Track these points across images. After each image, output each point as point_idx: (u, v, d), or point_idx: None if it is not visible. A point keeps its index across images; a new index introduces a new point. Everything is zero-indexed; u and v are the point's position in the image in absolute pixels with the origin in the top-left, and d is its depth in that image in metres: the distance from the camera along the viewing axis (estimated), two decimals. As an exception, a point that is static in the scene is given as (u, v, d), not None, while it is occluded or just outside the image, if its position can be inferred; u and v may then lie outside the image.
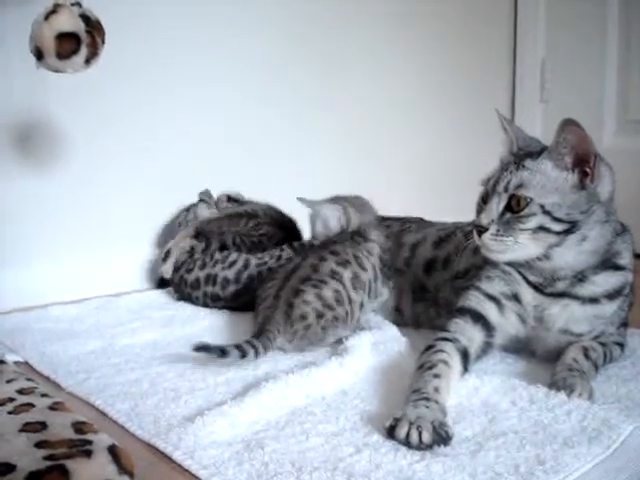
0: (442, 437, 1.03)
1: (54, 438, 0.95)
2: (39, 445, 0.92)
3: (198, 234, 2.03)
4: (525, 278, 1.37)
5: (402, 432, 1.04)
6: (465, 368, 1.30)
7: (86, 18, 1.43)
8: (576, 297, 1.34)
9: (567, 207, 1.27)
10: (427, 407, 1.09)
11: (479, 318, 1.37)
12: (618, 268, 1.36)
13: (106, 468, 0.89)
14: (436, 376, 1.20)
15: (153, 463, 1.03)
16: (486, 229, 1.31)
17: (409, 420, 1.05)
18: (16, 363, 1.44)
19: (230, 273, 1.88)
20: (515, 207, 1.29)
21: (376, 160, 2.72)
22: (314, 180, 2.52)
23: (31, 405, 1.08)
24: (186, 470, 0.99)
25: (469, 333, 1.35)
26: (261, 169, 2.40)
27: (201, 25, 2.24)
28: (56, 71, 1.46)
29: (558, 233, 1.28)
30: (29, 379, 1.25)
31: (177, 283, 1.98)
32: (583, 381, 1.23)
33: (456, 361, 1.28)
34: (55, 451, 0.90)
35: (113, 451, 0.92)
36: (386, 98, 2.76)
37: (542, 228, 1.28)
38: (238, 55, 2.33)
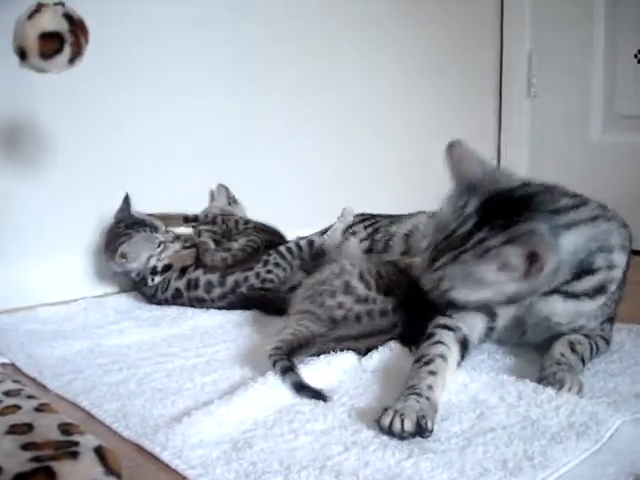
0: (422, 428, 1.05)
1: (40, 440, 0.94)
2: (25, 447, 0.91)
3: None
4: None
5: (386, 421, 1.06)
6: (463, 357, 1.31)
7: (69, 17, 1.42)
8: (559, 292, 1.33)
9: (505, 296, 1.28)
10: (417, 401, 1.10)
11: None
12: (593, 272, 1.33)
13: (93, 469, 0.88)
14: (431, 373, 1.20)
15: (140, 464, 1.02)
16: None
17: (394, 409, 1.07)
18: (2, 365, 1.44)
19: (214, 277, 1.86)
20: None
21: (366, 158, 2.71)
22: (302, 180, 2.53)
23: (17, 407, 1.07)
24: (174, 470, 0.99)
25: (471, 320, 1.35)
26: (252, 171, 2.39)
27: (192, 28, 2.23)
28: (40, 71, 1.45)
29: None
30: (15, 381, 1.24)
31: (161, 302, 1.93)
32: (572, 375, 1.23)
33: (454, 352, 1.29)
34: (41, 453, 0.89)
35: (100, 452, 0.91)
36: (373, 97, 2.75)
37: None
38: (222, 57, 2.32)
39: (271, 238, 2.04)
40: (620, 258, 1.35)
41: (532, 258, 1.18)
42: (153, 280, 1.92)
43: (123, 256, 1.85)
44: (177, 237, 2.01)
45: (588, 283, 1.32)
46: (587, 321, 1.38)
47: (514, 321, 1.40)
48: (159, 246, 1.92)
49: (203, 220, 2.12)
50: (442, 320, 1.34)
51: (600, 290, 1.34)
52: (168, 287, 1.91)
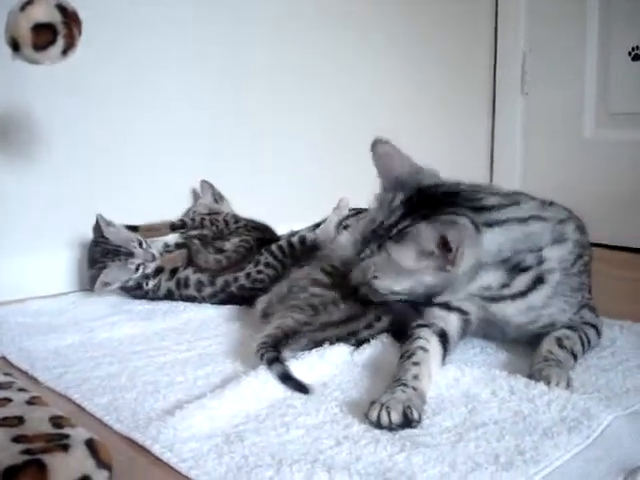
0: (408, 418, 1.06)
1: (31, 432, 0.94)
2: (16, 440, 0.91)
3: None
4: None
5: (374, 414, 1.07)
6: (445, 349, 1.32)
7: (62, 9, 1.41)
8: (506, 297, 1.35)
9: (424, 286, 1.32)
10: (403, 392, 1.12)
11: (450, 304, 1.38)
12: (526, 270, 1.33)
13: (84, 462, 0.88)
14: (415, 364, 1.22)
15: (132, 457, 1.02)
16: None
17: (381, 402, 1.08)
18: (-7, 358, 1.43)
19: (203, 276, 1.86)
20: None
21: (359, 153, 2.69)
22: (297, 174, 2.52)
23: (8, 400, 1.07)
24: (165, 463, 0.99)
25: (446, 316, 1.36)
26: (246, 166, 2.38)
27: (188, 29, 2.23)
28: (33, 62, 1.44)
29: None
30: (6, 374, 1.24)
31: (152, 298, 1.92)
32: (560, 370, 1.24)
33: (434, 344, 1.30)
34: (32, 445, 0.89)
35: (91, 445, 0.91)
36: (367, 95, 2.74)
37: None
38: (217, 56, 2.31)
39: (262, 235, 2.02)
40: (552, 253, 1.34)
41: (448, 245, 1.21)
42: (147, 285, 1.90)
43: (103, 285, 1.83)
44: (165, 248, 1.99)
45: (524, 280, 1.32)
46: (554, 316, 1.37)
47: (485, 319, 1.41)
48: (137, 269, 1.87)
49: (191, 225, 2.08)
50: (418, 321, 1.37)
51: (539, 281, 1.33)
52: (159, 288, 1.90)
